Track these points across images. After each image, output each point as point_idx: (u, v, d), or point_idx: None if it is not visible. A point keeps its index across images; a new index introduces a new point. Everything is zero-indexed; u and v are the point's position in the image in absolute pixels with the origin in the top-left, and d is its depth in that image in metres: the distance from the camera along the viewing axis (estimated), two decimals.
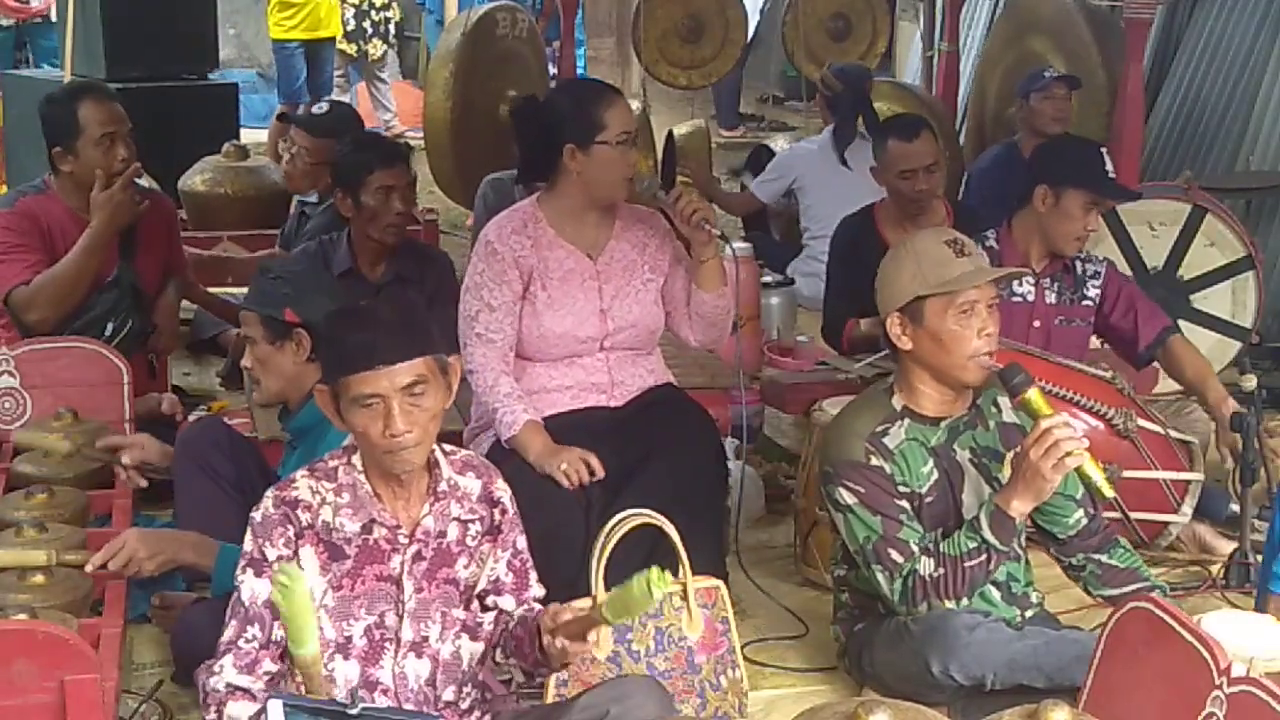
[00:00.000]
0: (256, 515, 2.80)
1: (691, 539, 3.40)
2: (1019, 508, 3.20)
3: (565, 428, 3.74)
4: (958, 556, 3.24)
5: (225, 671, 2.73)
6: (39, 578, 3.19)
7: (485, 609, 2.97)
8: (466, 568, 2.91)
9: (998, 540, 3.21)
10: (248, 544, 2.79)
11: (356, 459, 2.83)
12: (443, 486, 2.87)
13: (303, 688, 2.72)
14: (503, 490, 2.97)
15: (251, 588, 2.76)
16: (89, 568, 3.34)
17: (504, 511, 2.95)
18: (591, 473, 3.62)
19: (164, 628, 3.62)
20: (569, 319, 3.81)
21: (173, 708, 3.41)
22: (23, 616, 2.92)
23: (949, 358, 3.29)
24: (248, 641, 2.75)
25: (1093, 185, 4.36)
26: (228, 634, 2.76)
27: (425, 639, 2.86)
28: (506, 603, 2.97)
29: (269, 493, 2.83)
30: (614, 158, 3.76)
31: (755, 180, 7.32)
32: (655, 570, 2.65)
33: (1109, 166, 4.35)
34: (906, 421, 3.36)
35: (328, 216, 5.25)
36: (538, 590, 3.03)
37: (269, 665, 2.75)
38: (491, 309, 3.77)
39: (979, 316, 3.27)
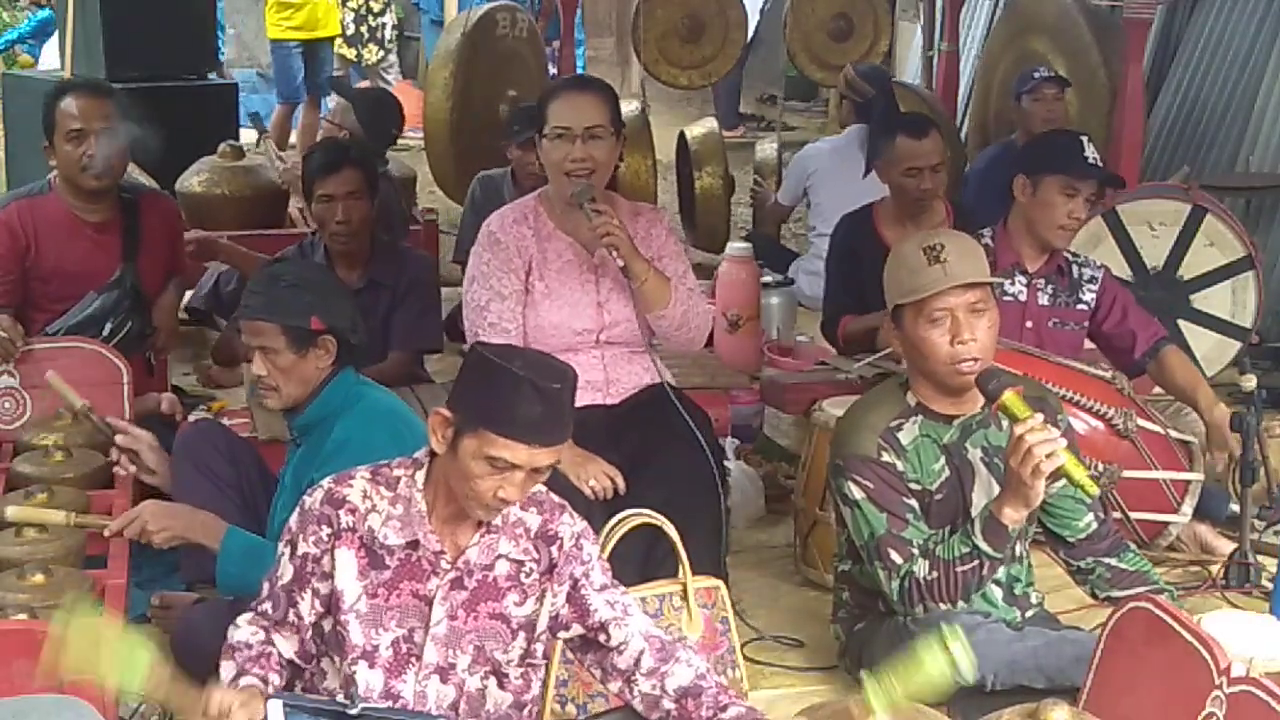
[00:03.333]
0: (307, 500, 2.80)
1: (691, 539, 3.41)
2: (1011, 515, 3.18)
3: None
4: (950, 561, 3.23)
5: (240, 628, 2.81)
6: (39, 577, 3.18)
7: (597, 646, 2.87)
8: (520, 605, 2.82)
9: (990, 546, 3.20)
10: (293, 522, 2.80)
11: (419, 475, 2.78)
12: (496, 520, 2.80)
13: (327, 675, 2.78)
14: (566, 525, 2.85)
15: (283, 566, 2.80)
16: (107, 532, 3.42)
17: (561, 547, 2.83)
18: (616, 490, 3.60)
19: (164, 628, 3.61)
20: (565, 309, 3.82)
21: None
22: (23, 616, 2.91)
23: (928, 363, 3.28)
24: (265, 615, 2.82)
25: (1065, 169, 4.31)
26: (260, 593, 2.84)
27: (452, 666, 2.80)
28: (614, 630, 2.86)
29: (324, 482, 2.81)
30: (548, 149, 3.81)
31: (780, 190, 7.37)
32: (945, 627, 2.57)
33: (1090, 154, 4.33)
34: (920, 418, 3.35)
35: None
36: (642, 621, 2.91)
37: (281, 641, 2.80)
38: (503, 297, 3.79)
39: (955, 323, 3.23)
